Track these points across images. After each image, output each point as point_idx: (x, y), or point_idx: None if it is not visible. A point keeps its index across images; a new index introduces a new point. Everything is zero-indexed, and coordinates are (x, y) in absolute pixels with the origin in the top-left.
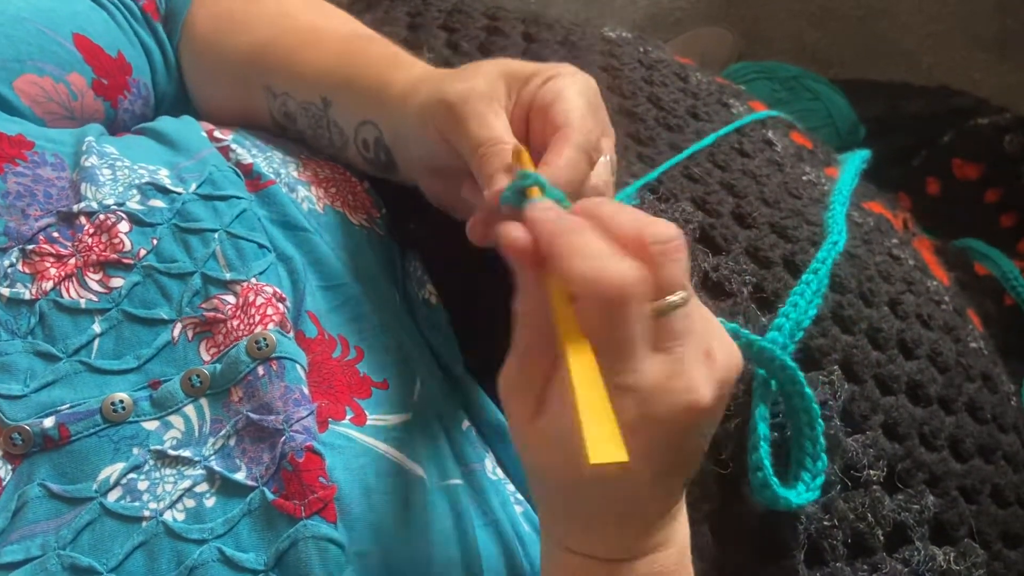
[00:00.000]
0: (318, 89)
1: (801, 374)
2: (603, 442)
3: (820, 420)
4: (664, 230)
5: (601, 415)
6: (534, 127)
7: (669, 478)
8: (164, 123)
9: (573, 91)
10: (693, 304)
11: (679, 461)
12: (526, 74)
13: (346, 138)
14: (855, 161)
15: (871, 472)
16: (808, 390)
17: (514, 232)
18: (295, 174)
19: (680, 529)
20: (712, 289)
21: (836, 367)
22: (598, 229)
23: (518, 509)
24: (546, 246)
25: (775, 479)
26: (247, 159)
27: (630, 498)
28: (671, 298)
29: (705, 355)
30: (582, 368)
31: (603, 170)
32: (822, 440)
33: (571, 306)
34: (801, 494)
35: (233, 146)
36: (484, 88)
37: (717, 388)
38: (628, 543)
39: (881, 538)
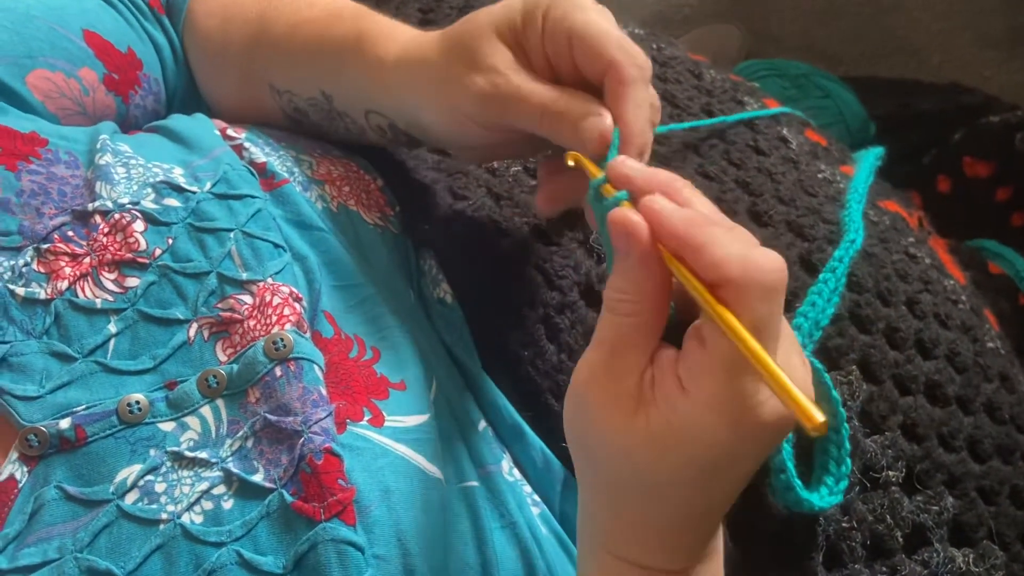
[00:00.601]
0: (315, 83)
1: (828, 376)
2: (812, 407)
3: (847, 424)
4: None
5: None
6: (560, 65)
7: (745, 481)
8: (177, 121)
9: (582, 19)
10: None
11: (761, 462)
12: (518, 23)
13: (360, 125)
14: (869, 159)
15: (890, 473)
16: (836, 394)
17: (633, 217)
18: (309, 173)
19: (721, 544)
20: None
21: (854, 367)
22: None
23: (535, 511)
24: (683, 233)
25: (798, 481)
26: (261, 158)
27: (715, 498)
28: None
29: None
30: (749, 340)
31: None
32: (848, 444)
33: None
34: (824, 497)
35: (247, 144)
36: (501, 65)
37: None
38: (696, 550)
39: (900, 540)
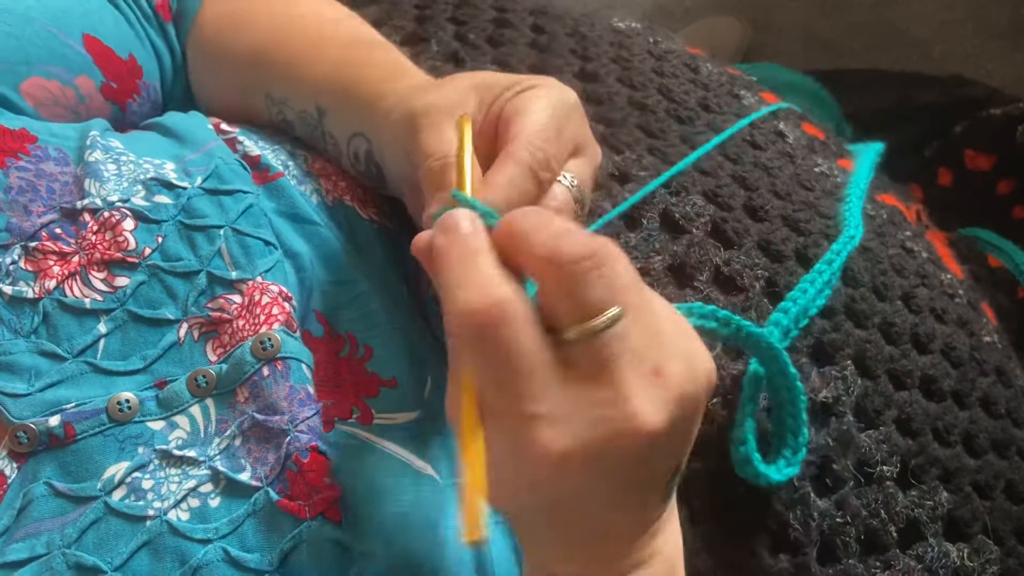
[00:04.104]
0: (314, 98)
1: (783, 351)
2: (475, 522)
3: (803, 395)
4: (574, 248)
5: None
6: (499, 141)
7: (636, 495)
8: (171, 117)
9: (539, 104)
10: (632, 320)
11: (639, 482)
12: (501, 86)
13: (340, 149)
14: (870, 154)
15: (884, 468)
16: (793, 369)
17: (422, 242)
18: (304, 167)
19: (668, 541)
20: (724, 284)
21: (849, 362)
22: (508, 249)
23: None
24: (435, 277)
25: (757, 455)
26: (255, 151)
27: (594, 518)
28: (593, 322)
29: (652, 374)
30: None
31: (560, 193)
32: (804, 414)
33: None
34: (781, 469)
35: (240, 138)
36: (450, 101)
37: (672, 407)
38: (609, 563)
39: (894, 535)
